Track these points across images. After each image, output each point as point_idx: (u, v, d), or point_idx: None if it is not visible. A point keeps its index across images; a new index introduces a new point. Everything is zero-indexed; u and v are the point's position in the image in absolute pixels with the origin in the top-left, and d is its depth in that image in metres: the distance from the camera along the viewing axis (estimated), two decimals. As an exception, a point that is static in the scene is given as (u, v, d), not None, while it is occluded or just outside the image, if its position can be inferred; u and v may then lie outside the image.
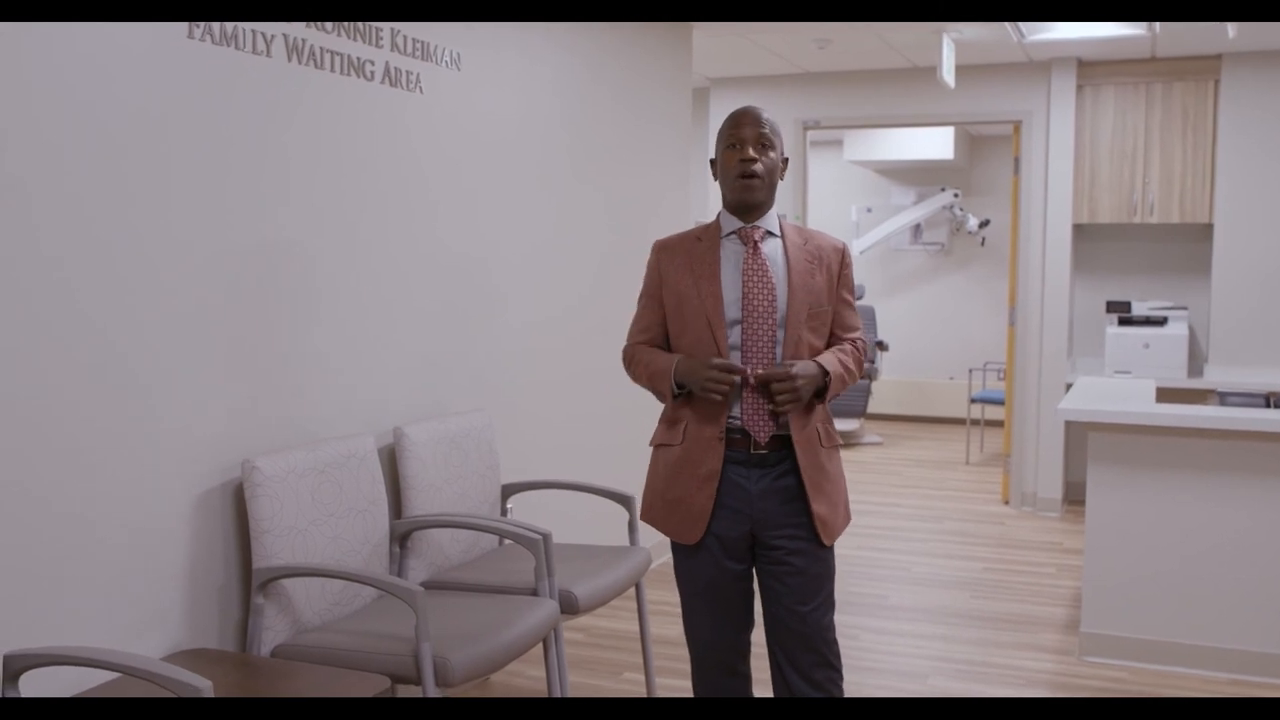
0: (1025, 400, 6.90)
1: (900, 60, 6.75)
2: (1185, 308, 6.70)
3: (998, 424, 8.78)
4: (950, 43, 5.93)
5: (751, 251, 2.74)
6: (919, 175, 10.35)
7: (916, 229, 10.34)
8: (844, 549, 5.92)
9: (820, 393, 2.72)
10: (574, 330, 4.74)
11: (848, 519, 2.88)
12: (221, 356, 2.97)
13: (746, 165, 2.71)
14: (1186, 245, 6.88)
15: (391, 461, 3.54)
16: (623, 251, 5.13)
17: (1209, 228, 6.65)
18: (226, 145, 2.97)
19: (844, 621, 4.76)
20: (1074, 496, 6.79)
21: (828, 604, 2.80)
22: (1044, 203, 6.76)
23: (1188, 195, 6.52)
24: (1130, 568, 4.23)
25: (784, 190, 7.22)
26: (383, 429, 3.55)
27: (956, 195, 9.97)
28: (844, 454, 8.69)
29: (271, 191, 3.12)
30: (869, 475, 7.97)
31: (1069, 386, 6.48)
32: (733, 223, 2.78)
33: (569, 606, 3.34)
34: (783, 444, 2.72)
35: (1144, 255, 6.97)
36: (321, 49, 3.27)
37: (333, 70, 3.32)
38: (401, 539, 3.43)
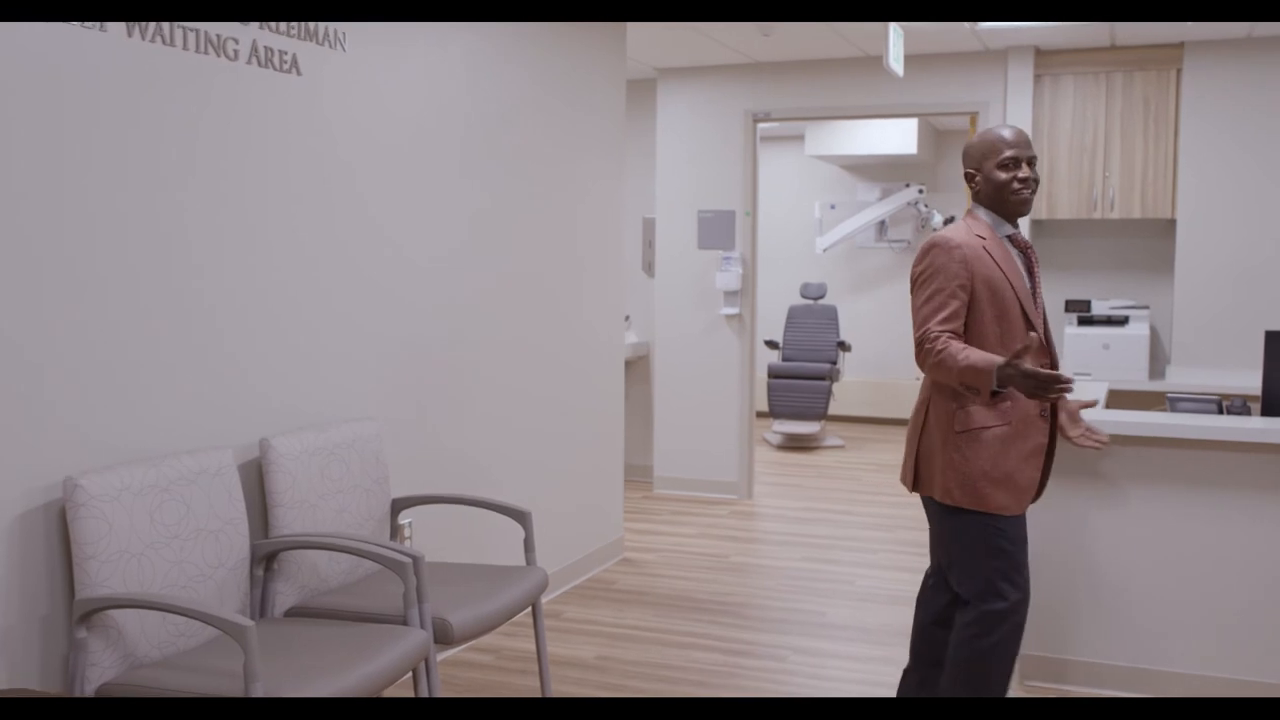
0: (983, 403, 6.62)
1: (852, 50, 6.47)
2: (1147, 307, 6.44)
3: (961, 427, 8.50)
4: (897, 30, 5.65)
5: (1032, 256, 3.19)
6: (883, 171, 10.09)
7: (881, 226, 10.07)
8: (786, 561, 5.65)
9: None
10: (482, 333, 4.45)
11: None
12: (50, 361, 2.67)
13: (1024, 183, 3.10)
14: (1148, 241, 6.62)
15: (259, 477, 3.25)
16: (549, 246, 4.85)
17: (1171, 223, 6.39)
18: (58, 131, 2.67)
19: (773, 641, 4.51)
20: (1033, 503, 6.51)
21: None
22: (1001, 197, 6.48)
23: (1149, 189, 6.26)
24: (1066, 587, 3.95)
25: (733, 184, 6.97)
26: (248, 441, 3.25)
27: (921, 191, 9.71)
28: (802, 458, 8.56)
29: (108, 179, 2.82)
30: (827, 481, 7.70)
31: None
32: (1005, 227, 3.17)
33: (443, 636, 3.05)
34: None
35: (1104, 252, 6.71)
36: (171, 24, 2.97)
37: (186, 49, 3.03)
38: (267, 561, 3.14)
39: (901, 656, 4.32)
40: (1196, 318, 6.19)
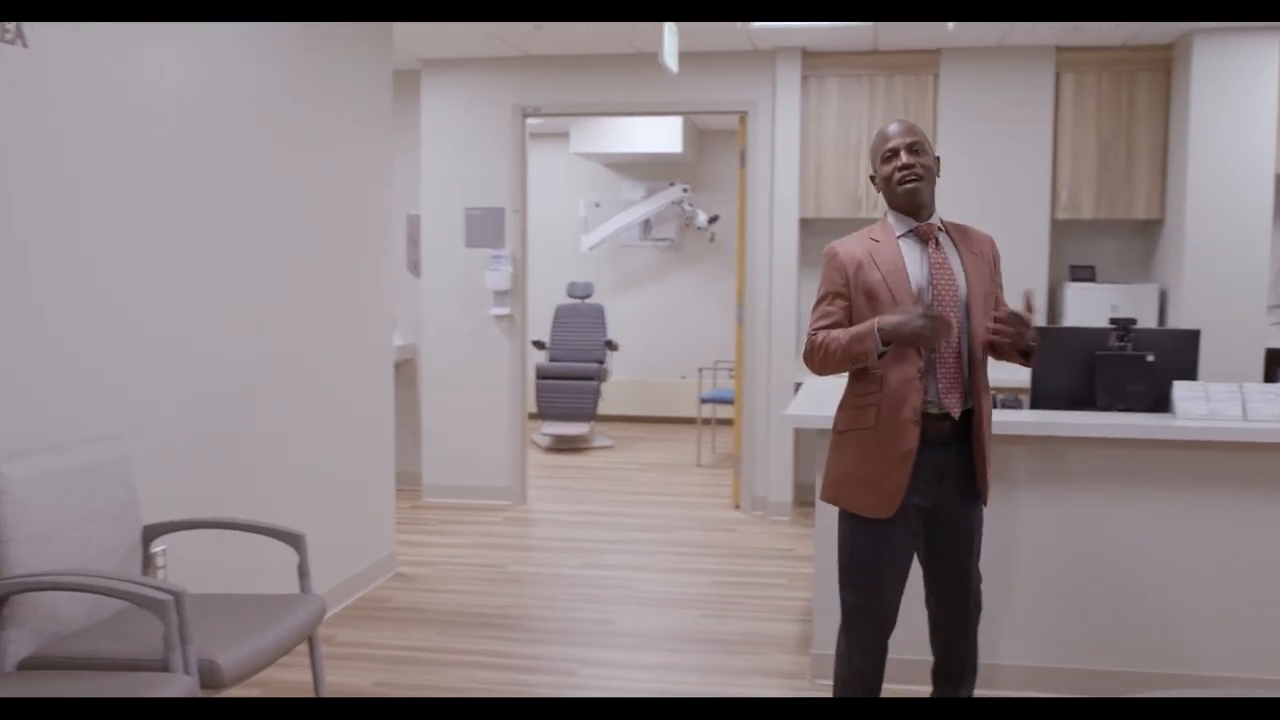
0: (754, 400, 6.67)
1: (625, 45, 6.37)
2: (909, 304, 6.62)
3: (729, 423, 8.59)
4: (673, 27, 5.58)
5: (933, 247, 3.04)
6: (648, 169, 10.08)
7: (646, 225, 10.06)
8: (565, 568, 5.49)
9: (1028, 352, 3.05)
10: (241, 341, 4.07)
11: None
12: None
13: (907, 170, 3.00)
14: (909, 241, 6.81)
15: (-16, 507, 2.81)
16: (311, 246, 4.50)
17: (930, 223, 6.59)
18: None
19: (559, 654, 4.33)
20: (804, 498, 6.61)
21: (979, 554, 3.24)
22: (770, 197, 6.55)
23: (909, 190, 6.44)
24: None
25: (501, 181, 6.75)
26: (-31, 467, 2.81)
27: (686, 190, 9.75)
28: (573, 460, 8.42)
29: None
30: (598, 482, 7.59)
31: (798, 386, 6.28)
32: (906, 223, 3.07)
33: (211, 680, 2.72)
34: (964, 419, 3.04)
35: None
36: None
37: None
38: (-6, 606, 2.72)
39: (687, 662, 4.24)
40: (954, 315, 6.41)
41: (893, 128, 3.08)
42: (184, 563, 3.53)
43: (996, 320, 2.98)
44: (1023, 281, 6.20)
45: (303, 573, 3.26)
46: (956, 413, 3.02)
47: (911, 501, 3.03)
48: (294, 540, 3.26)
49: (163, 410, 3.59)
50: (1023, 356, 3.07)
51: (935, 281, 3.01)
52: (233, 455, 4.00)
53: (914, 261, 3.04)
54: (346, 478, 4.89)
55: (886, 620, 3.14)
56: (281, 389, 4.33)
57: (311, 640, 3.23)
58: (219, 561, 3.81)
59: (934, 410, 3.00)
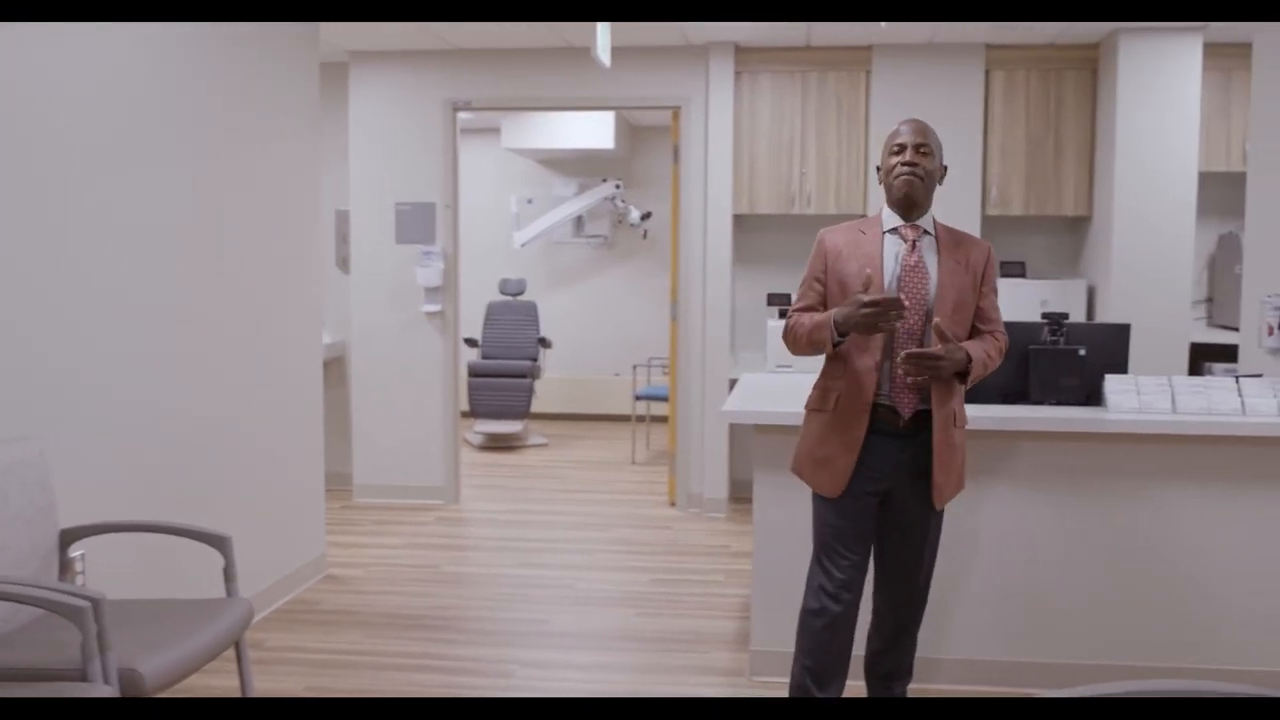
0: (689, 397, 6.64)
1: (556, 39, 6.30)
2: (842, 300, 6.64)
3: (664, 420, 8.56)
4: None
5: (910, 249, 3.08)
6: (580, 165, 10.02)
7: (579, 221, 10.00)
8: (500, 568, 5.42)
9: (963, 375, 3.06)
10: (165, 338, 3.95)
11: (959, 488, 3.23)
12: None
13: (909, 167, 3.05)
14: (842, 237, 6.82)
15: (-111, 512, 2.68)
16: (236, 242, 4.38)
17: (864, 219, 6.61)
18: None
19: (496, 655, 4.26)
20: (740, 494, 6.60)
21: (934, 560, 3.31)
22: (704, 193, 6.52)
23: (844, 187, 6.46)
24: (800, 579, 3.93)
25: (432, 175, 6.65)
26: (-127, 470, 2.68)
27: (619, 186, 9.70)
28: (506, 458, 8.33)
29: None
30: (534, 481, 7.52)
31: (733, 382, 6.27)
32: (894, 220, 3.13)
33: (133, 689, 2.62)
34: (924, 418, 3.08)
35: (805, 247, 6.71)
36: None
37: None
38: (-100, 615, 2.60)
39: (625, 661, 4.20)
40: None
41: (906, 125, 3.14)
42: (105, 568, 3.41)
43: (904, 360, 2.97)
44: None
45: (228, 576, 3.16)
46: (906, 411, 3.08)
47: (863, 487, 3.13)
48: (219, 543, 3.16)
49: (82, 410, 3.46)
50: (960, 379, 3.11)
51: (903, 282, 3.07)
52: (157, 456, 3.87)
53: (891, 259, 3.10)
54: (275, 478, 4.77)
55: (841, 598, 3.20)
56: (207, 388, 4.21)
57: (238, 645, 3.13)
58: (142, 566, 3.69)
59: (885, 403, 3.09)
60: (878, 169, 3.21)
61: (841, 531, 3.18)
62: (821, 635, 3.21)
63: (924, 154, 3.09)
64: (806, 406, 3.27)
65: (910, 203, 3.10)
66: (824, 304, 3.16)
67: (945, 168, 3.21)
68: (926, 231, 3.15)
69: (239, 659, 3.16)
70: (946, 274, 3.10)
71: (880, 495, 3.18)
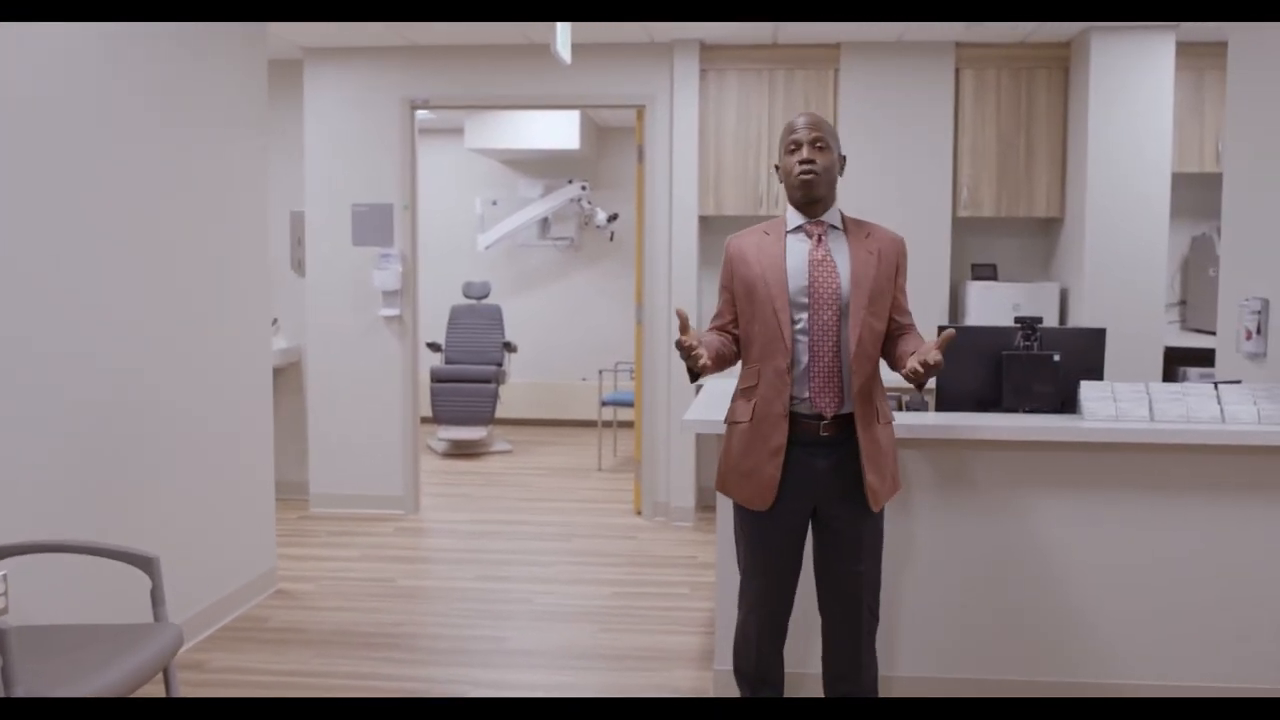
0: (655, 402, 6.48)
1: (516, 35, 6.13)
2: (811, 304, 6.50)
3: (631, 425, 8.40)
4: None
5: (816, 244, 3.02)
6: (546, 166, 9.85)
7: (545, 223, 9.83)
8: (458, 581, 5.24)
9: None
10: (100, 345, 3.75)
11: (895, 488, 3.15)
12: None
13: (806, 164, 2.97)
14: (810, 240, 6.69)
15: None
16: (178, 244, 4.19)
17: (831, 221, 6.47)
18: None
19: (450, 676, 4.08)
20: (707, 503, 6.44)
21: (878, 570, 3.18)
22: (669, 194, 6.37)
23: (811, 188, 6.31)
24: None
25: (390, 176, 6.46)
26: None
27: (584, 188, 9.54)
28: (470, 465, 8.14)
29: None
30: (497, 489, 7.33)
31: (699, 388, 6.11)
32: (797, 218, 3.07)
33: (44, 726, 2.43)
34: (845, 422, 3.00)
35: None
36: None
37: None
38: None
39: (586, 681, 4.03)
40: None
41: (799, 120, 3.06)
42: (27, 591, 3.21)
43: (918, 367, 2.84)
44: (928, 279, 6.12)
45: (156, 599, 2.97)
46: (829, 413, 3.00)
47: (787, 499, 3.03)
48: (145, 564, 2.97)
49: (4, 420, 3.26)
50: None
51: (813, 279, 2.99)
52: (89, 469, 3.67)
53: (798, 257, 3.03)
54: (220, 488, 4.58)
55: (775, 614, 3.16)
56: (145, 395, 4.01)
57: (167, 673, 2.95)
58: (69, 588, 3.49)
59: (805, 410, 3.01)
60: (776, 168, 3.14)
61: (768, 547, 3.10)
62: (755, 644, 3.22)
63: (820, 149, 3.02)
64: (725, 420, 3.18)
65: (812, 199, 3.04)
66: (733, 310, 3.12)
67: (844, 157, 3.15)
68: (833, 226, 3.08)
69: (168, 689, 2.97)
70: (859, 265, 3.02)
71: (808, 511, 3.09)
